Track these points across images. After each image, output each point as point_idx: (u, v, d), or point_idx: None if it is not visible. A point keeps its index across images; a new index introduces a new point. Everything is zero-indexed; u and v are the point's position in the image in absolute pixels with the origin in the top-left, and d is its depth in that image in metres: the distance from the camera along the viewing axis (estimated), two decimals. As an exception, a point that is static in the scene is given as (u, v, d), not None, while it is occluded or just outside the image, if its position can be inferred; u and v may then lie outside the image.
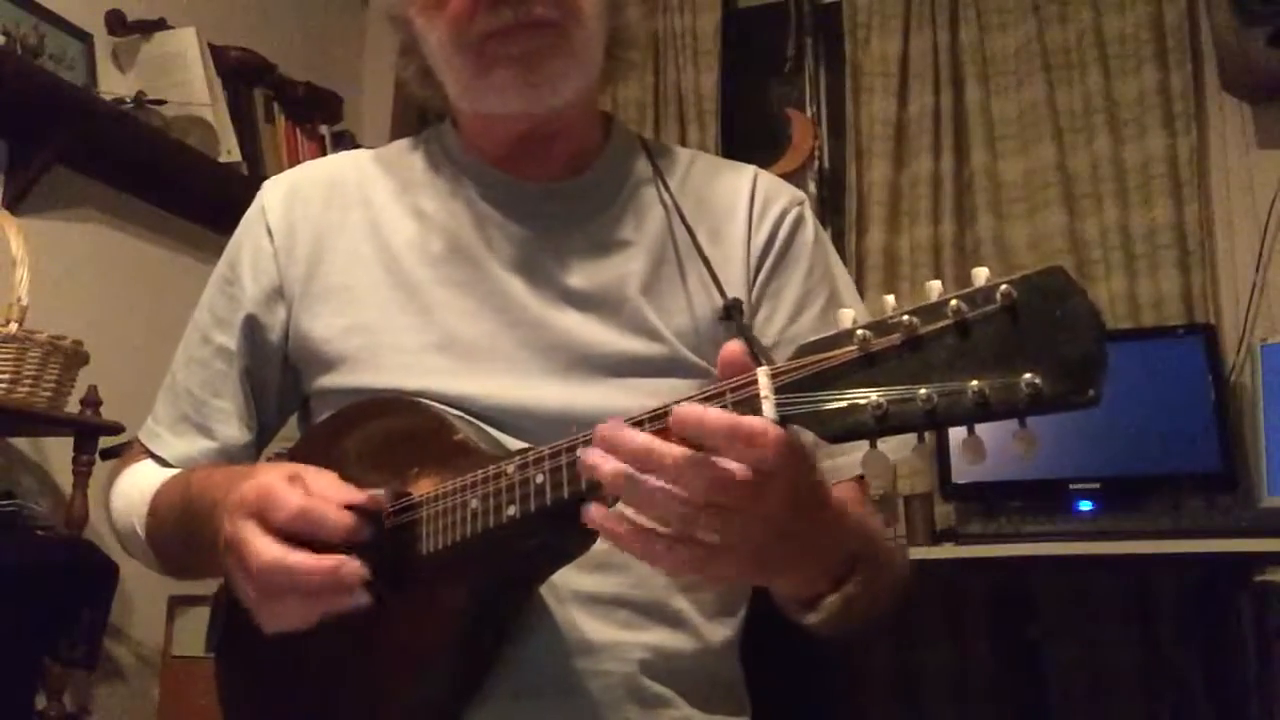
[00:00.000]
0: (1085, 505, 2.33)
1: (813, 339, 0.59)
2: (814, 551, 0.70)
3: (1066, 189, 2.69)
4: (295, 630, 0.76)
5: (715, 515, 0.61)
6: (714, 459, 0.60)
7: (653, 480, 0.60)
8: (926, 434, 0.57)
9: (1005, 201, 2.75)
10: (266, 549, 0.74)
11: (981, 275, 0.55)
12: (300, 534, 0.74)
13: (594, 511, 0.63)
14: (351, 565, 0.72)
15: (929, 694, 2.59)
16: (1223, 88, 2.63)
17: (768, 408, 0.59)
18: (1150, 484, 2.34)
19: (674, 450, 0.60)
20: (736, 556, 0.63)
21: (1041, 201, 2.69)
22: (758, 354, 0.62)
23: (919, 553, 2.26)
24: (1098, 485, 2.34)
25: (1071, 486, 2.35)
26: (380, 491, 0.78)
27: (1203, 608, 2.39)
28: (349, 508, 0.75)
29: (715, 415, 0.60)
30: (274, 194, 1.01)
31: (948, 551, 2.23)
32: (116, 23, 2.38)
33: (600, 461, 0.62)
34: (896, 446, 0.59)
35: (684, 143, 2.95)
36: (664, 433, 0.62)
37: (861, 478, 0.96)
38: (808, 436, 0.61)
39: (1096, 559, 2.15)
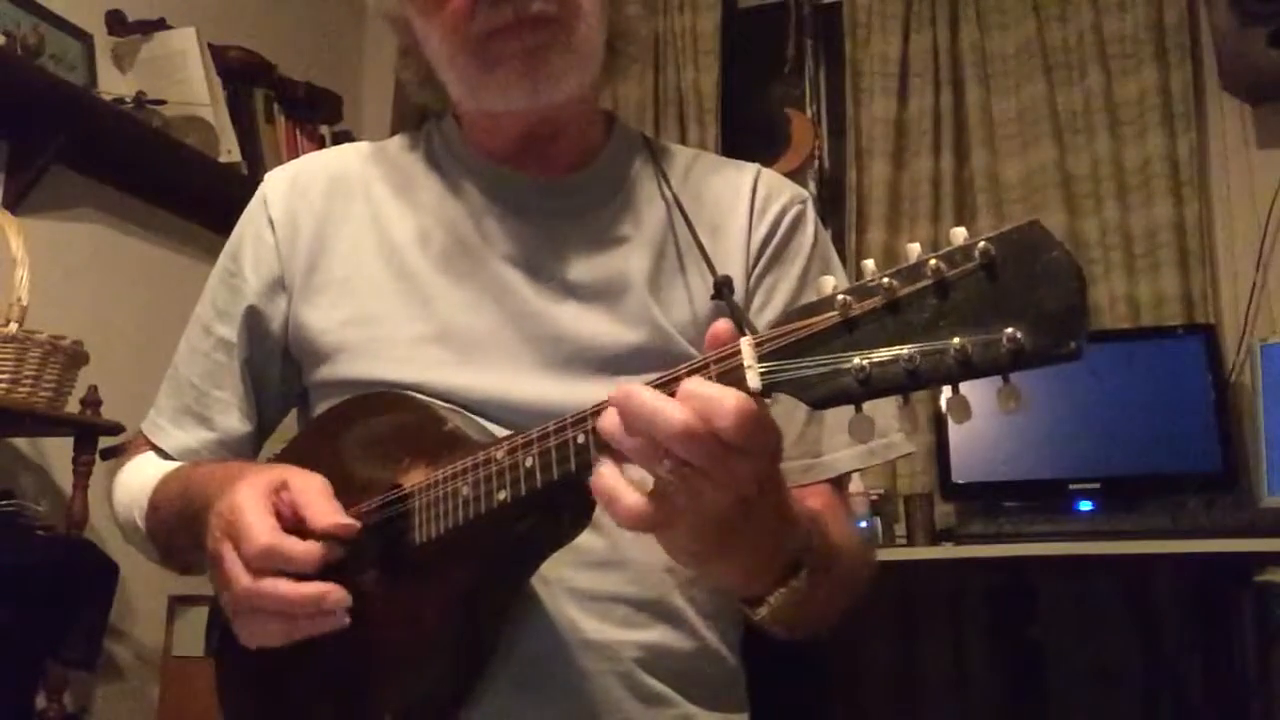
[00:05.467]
0: (1085, 505, 2.33)
1: (794, 307, 0.59)
2: (763, 537, 0.69)
3: (1066, 189, 2.69)
4: (275, 646, 0.76)
5: (687, 472, 0.60)
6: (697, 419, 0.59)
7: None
8: (912, 398, 0.57)
9: (1005, 201, 2.75)
10: (243, 574, 0.74)
11: (960, 235, 0.55)
12: (267, 571, 0.74)
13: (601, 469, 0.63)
14: (335, 595, 0.73)
15: (929, 694, 2.59)
16: (1223, 88, 2.63)
17: (751, 376, 0.59)
18: (1150, 484, 2.34)
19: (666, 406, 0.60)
20: (698, 520, 0.63)
21: (1041, 201, 2.70)
22: (744, 327, 0.62)
23: (919, 553, 2.27)
24: (1098, 485, 2.34)
25: (1071, 486, 2.35)
26: (354, 522, 0.77)
27: (1203, 608, 2.39)
28: (318, 534, 0.75)
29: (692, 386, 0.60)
30: (276, 185, 1.01)
31: (948, 551, 2.24)
32: (116, 23, 2.38)
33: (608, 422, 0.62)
34: (884, 416, 0.58)
35: (684, 143, 2.94)
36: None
37: (838, 480, 0.96)
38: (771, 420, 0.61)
39: (1096, 559, 2.16)
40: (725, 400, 0.58)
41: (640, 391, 0.60)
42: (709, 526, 0.64)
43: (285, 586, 0.73)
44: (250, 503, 0.76)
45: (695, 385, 0.60)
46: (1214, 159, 2.65)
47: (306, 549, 0.74)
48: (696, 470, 0.60)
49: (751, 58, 3.13)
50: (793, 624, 0.74)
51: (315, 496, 0.77)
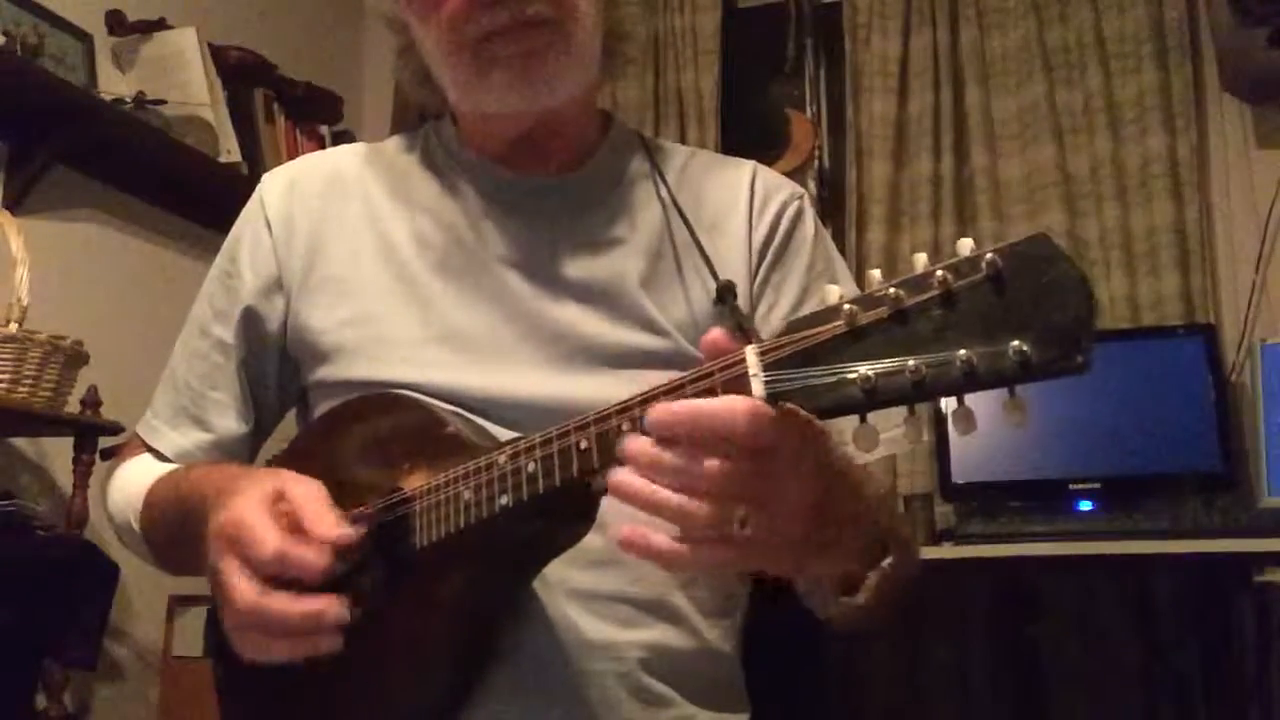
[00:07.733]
0: (1085, 505, 2.33)
1: (800, 316, 0.59)
2: (846, 523, 0.68)
3: (1066, 189, 2.69)
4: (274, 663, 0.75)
5: (735, 507, 0.60)
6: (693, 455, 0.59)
7: (664, 492, 0.60)
8: (918, 408, 0.57)
9: (1005, 201, 2.75)
10: (245, 590, 0.72)
11: (966, 246, 0.55)
12: (278, 576, 0.72)
13: (628, 531, 0.62)
14: (334, 611, 0.71)
15: (929, 693, 2.59)
16: (1223, 88, 2.63)
17: (756, 385, 0.59)
18: (1150, 484, 2.33)
19: (669, 458, 0.60)
20: (768, 547, 0.63)
21: (1041, 201, 2.70)
22: (749, 334, 0.62)
23: (919, 553, 2.26)
24: (1098, 485, 2.34)
25: (1071, 486, 2.35)
26: (358, 528, 0.76)
27: (1203, 607, 2.39)
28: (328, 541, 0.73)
29: (680, 407, 0.60)
30: (273, 187, 1.02)
31: (948, 551, 2.23)
32: (116, 23, 2.38)
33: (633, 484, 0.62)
34: (886, 420, 0.58)
35: (684, 143, 2.95)
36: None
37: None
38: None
39: (1096, 559, 2.15)
40: (736, 410, 0.58)
41: (661, 454, 0.60)
42: (784, 546, 0.63)
43: (287, 602, 0.72)
44: (253, 513, 0.74)
45: (700, 407, 0.59)
46: (1214, 159, 2.65)
47: (316, 556, 0.72)
48: (751, 495, 0.60)
49: (751, 58, 3.12)
50: (887, 605, 0.75)
51: (316, 506, 0.75)
